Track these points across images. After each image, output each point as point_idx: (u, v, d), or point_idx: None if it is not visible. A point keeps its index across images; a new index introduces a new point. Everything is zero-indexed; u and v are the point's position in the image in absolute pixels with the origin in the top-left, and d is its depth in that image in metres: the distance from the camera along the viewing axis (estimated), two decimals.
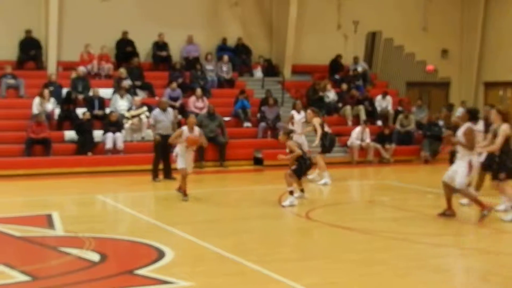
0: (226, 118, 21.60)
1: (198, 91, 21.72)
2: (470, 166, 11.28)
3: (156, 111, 17.29)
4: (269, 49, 25.47)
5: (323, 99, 23.38)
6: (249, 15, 25.29)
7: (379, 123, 22.99)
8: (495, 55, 26.70)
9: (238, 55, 24.69)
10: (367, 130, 21.58)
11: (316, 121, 16.81)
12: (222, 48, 24.66)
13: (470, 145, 11.20)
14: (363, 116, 22.83)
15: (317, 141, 16.59)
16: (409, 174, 19.10)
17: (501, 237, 10.86)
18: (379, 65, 26.52)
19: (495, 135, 11.82)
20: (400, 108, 23.55)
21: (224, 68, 23.81)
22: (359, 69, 25.26)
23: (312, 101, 22.88)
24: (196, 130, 13.94)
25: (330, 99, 23.61)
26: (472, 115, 11.78)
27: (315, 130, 16.67)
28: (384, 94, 24.05)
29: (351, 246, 10.02)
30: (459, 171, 11.26)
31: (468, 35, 27.55)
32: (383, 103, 23.87)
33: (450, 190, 11.45)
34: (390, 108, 23.76)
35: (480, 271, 8.65)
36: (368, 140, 21.29)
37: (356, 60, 25.42)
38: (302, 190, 13.55)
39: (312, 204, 13.32)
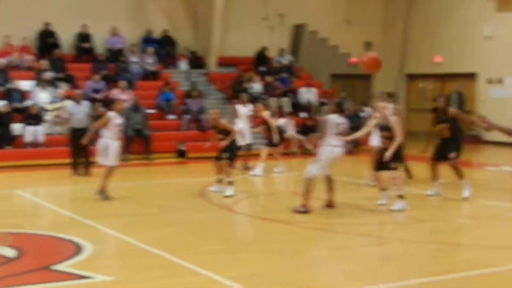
0: (150, 111, 21.38)
1: (122, 83, 21.42)
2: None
3: (70, 103, 16.90)
4: (195, 41, 25.27)
5: (248, 91, 23.37)
6: (175, 7, 25.08)
7: (303, 115, 23.14)
8: (418, 47, 27.19)
9: (163, 47, 24.46)
10: (291, 121, 21.68)
11: (266, 114, 16.87)
12: (147, 40, 24.38)
13: (322, 136, 11.47)
14: (287, 108, 22.96)
15: (275, 135, 16.62)
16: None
17: (416, 226, 11.03)
18: (304, 57, 26.65)
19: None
20: (324, 100, 23.76)
21: (149, 60, 23.56)
22: (284, 61, 25.40)
23: (237, 92, 22.86)
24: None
25: (256, 90, 23.64)
26: (339, 108, 12.03)
27: (266, 125, 16.77)
28: (309, 86, 24.21)
29: (274, 237, 10.05)
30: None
31: (391, 27, 27.99)
32: (307, 95, 24.02)
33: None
34: (314, 100, 23.94)
35: (396, 258, 8.78)
36: (291, 132, 21.38)
37: (281, 53, 25.56)
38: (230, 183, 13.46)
39: (236, 196, 13.28)
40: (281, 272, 7.99)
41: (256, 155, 17.35)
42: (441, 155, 12.95)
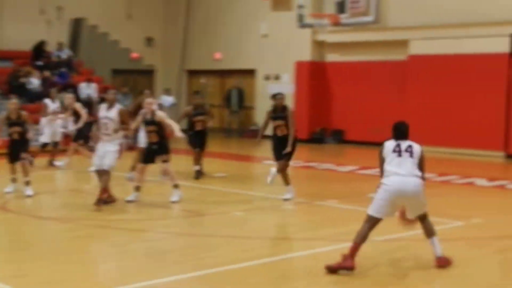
0: None
1: None
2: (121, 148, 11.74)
3: None
4: None
5: (25, 86, 22.57)
6: None
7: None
8: (198, 44, 27.59)
9: None
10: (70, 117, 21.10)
11: (78, 105, 16.50)
12: None
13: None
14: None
15: (81, 123, 16.52)
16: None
17: (196, 220, 11.22)
18: (84, 52, 26.12)
19: None
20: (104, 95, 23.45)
21: None
22: (63, 55, 24.75)
23: (14, 87, 22.01)
24: None
25: (34, 85, 22.82)
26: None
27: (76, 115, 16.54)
28: (89, 81, 23.76)
29: (52, 236, 9.78)
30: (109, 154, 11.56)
31: (172, 24, 28.18)
32: (87, 90, 23.56)
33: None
34: (95, 95, 23.54)
35: (172, 253, 8.86)
36: (71, 128, 20.80)
37: (60, 47, 24.87)
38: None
39: (7, 194, 12.70)
40: (55, 271, 7.77)
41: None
42: None
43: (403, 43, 21.48)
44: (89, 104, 23.03)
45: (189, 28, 27.97)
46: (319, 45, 24.32)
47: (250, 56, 25.95)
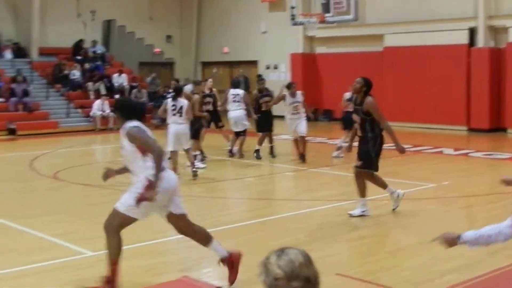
0: None
1: None
2: None
3: None
4: (17, 34, 23.84)
5: (68, 77, 22.57)
6: None
7: (117, 96, 22.60)
8: (209, 40, 27.43)
9: None
10: (106, 102, 21.13)
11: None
12: None
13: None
14: (103, 91, 22.36)
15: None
16: None
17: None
18: (115, 48, 25.98)
19: None
20: (134, 84, 23.42)
21: None
22: (98, 51, 24.67)
23: (58, 78, 22.10)
24: None
25: (76, 76, 22.81)
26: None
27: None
28: (120, 72, 23.68)
29: (92, 200, 9.78)
30: None
31: (187, 24, 27.95)
32: (119, 79, 23.49)
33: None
34: (125, 83, 23.47)
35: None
36: (108, 110, 20.87)
37: (94, 44, 24.77)
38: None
39: (60, 166, 12.72)
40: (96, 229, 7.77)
41: None
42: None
43: (379, 37, 21.33)
44: (121, 91, 23.06)
45: (202, 27, 27.79)
46: (310, 40, 24.16)
47: (253, 49, 25.80)
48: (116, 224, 5.34)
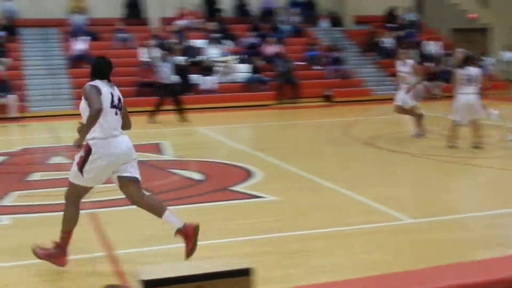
0: (298, 63, 21.37)
1: (272, 39, 21.72)
2: None
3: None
4: (333, 3, 24.91)
5: (378, 44, 23.07)
6: None
7: (428, 64, 22.18)
8: None
9: (306, 9, 24.37)
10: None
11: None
12: (293, 3, 24.39)
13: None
14: (415, 59, 22.12)
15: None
16: None
17: None
18: (428, 14, 25.58)
19: None
20: (448, 51, 22.84)
21: (295, 20, 23.54)
22: (410, 18, 24.65)
23: (370, 45, 22.71)
24: None
25: (387, 44, 23.14)
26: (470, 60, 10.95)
27: None
28: (432, 40, 23.27)
29: (407, 168, 9.78)
30: None
31: None
32: (431, 47, 23.21)
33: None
34: (438, 51, 23.02)
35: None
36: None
37: (407, 11, 24.77)
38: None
39: (373, 132, 12.99)
40: (417, 197, 7.80)
41: None
42: None
43: None
44: (433, 59, 22.69)
45: None
46: None
47: None
48: (70, 195, 5.26)
